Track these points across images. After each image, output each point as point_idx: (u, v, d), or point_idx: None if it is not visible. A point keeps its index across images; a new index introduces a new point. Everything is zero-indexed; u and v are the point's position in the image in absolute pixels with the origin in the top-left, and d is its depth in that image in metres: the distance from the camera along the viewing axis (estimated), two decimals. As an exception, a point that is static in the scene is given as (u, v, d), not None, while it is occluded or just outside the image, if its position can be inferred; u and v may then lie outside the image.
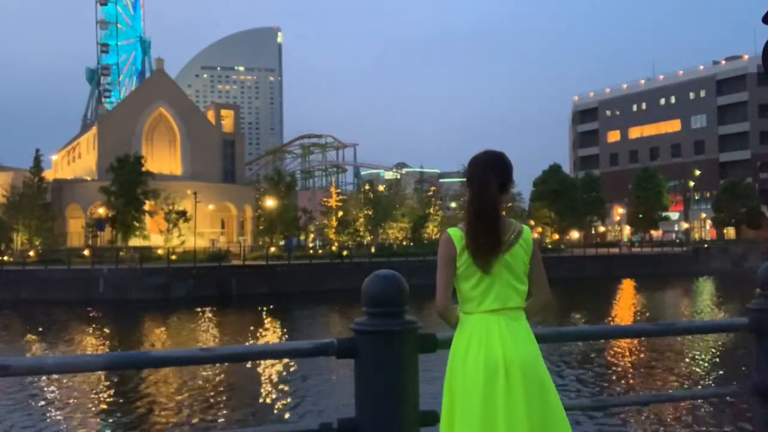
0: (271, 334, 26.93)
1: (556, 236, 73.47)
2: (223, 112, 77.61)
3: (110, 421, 13.38)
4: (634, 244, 75.30)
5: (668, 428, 11.81)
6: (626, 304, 37.61)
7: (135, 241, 50.49)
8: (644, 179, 76.40)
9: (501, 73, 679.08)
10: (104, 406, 14.49)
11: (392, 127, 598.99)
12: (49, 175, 63.98)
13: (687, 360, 18.58)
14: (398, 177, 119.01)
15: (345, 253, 52.65)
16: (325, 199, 72.14)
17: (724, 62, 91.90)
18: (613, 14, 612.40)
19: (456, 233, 2.65)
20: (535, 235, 2.81)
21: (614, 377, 16.76)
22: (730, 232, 79.08)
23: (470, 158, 2.77)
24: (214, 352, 2.61)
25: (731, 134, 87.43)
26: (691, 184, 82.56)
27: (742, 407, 11.80)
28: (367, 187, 71.11)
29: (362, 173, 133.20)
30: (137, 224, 51.04)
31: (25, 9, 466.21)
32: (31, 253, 49.77)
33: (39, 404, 14.61)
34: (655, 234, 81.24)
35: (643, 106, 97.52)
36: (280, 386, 16.13)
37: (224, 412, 13.93)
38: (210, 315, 32.98)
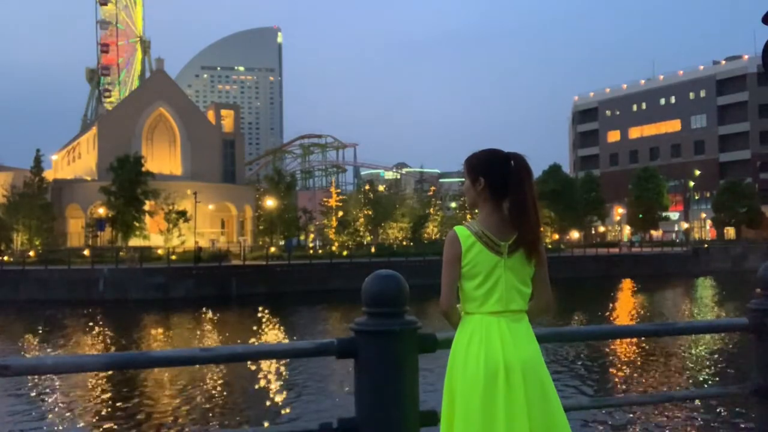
0: (271, 334, 26.93)
1: (556, 236, 73.41)
2: (223, 112, 77.60)
3: (110, 421, 13.37)
4: (634, 244, 75.24)
5: (668, 428, 11.81)
6: (626, 304, 37.60)
7: (135, 241, 50.48)
8: (644, 179, 76.36)
9: (501, 73, 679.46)
10: (104, 407, 14.48)
11: (392, 127, 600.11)
12: (49, 175, 63.96)
13: (687, 360, 18.58)
14: (398, 177, 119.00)
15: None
16: (325, 199, 72.10)
17: (724, 62, 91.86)
18: (614, 14, 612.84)
19: (463, 232, 2.62)
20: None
21: (614, 377, 16.76)
22: (730, 232, 79.04)
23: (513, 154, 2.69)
24: (214, 352, 2.61)
25: (731, 134, 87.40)
26: (691, 184, 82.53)
27: (742, 407, 11.80)
28: (367, 187, 70.98)
29: (362, 173, 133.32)
30: (137, 224, 51.03)
31: (25, 9, 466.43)
32: (31, 253, 49.76)
33: (38, 404, 14.60)
34: (655, 234, 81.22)
35: (643, 106, 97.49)
36: (280, 386, 16.13)
37: (224, 412, 13.93)
38: (210, 315, 32.97)
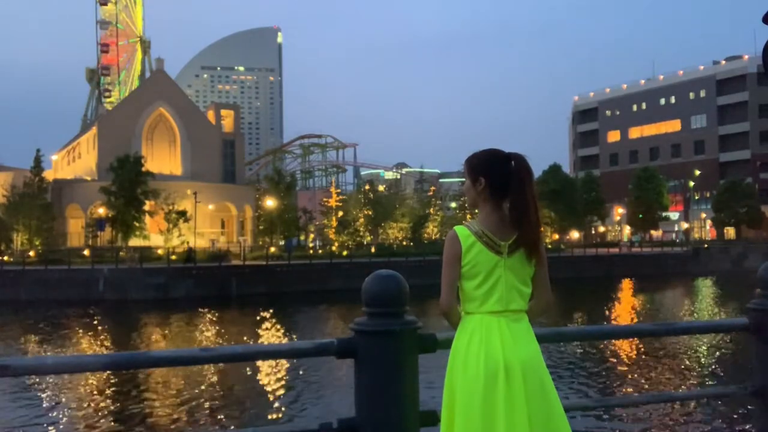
0: (271, 334, 26.93)
1: (556, 236, 73.42)
2: (223, 112, 77.57)
3: (110, 421, 13.37)
4: (634, 244, 75.29)
5: (668, 428, 11.81)
6: (626, 304, 37.60)
7: (135, 241, 50.48)
8: (644, 179, 76.38)
9: (501, 73, 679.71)
10: (104, 407, 14.48)
11: (392, 127, 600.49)
12: (49, 175, 63.95)
13: (687, 360, 18.57)
14: (398, 177, 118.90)
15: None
16: (325, 199, 72.09)
17: (724, 62, 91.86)
18: (614, 14, 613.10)
19: (463, 231, 2.62)
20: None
21: (614, 377, 16.76)
22: (730, 232, 79.06)
23: (515, 154, 2.69)
24: (214, 352, 2.61)
25: (731, 134, 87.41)
26: (691, 184, 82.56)
27: (742, 407, 11.80)
28: (367, 187, 70.96)
29: (362, 173, 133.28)
30: (137, 224, 51.02)
31: (25, 9, 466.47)
32: (31, 253, 49.75)
33: (38, 404, 14.60)
34: (655, 234, 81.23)
35: (643, 106, 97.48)
36: (280, 386, 16.13)
37: (224, 412, 13.93)
38: (210, 315, 32.97)
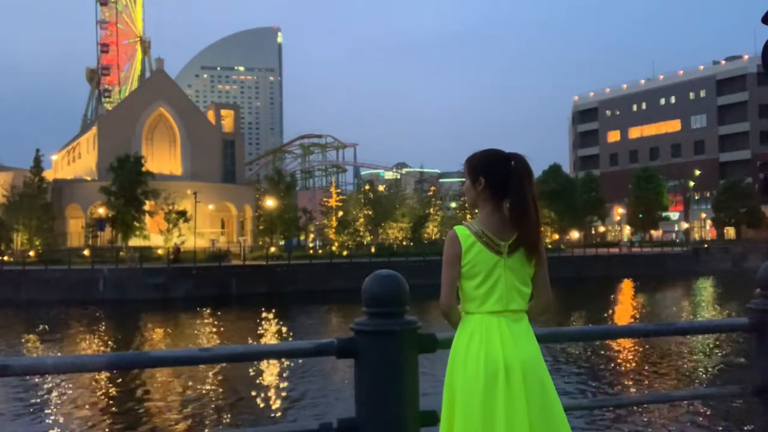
0: (271, 334, 26.93)
1: (556, 236, 73.42)
2: (223, 112, 77.56)
3: (110, 421, 13.37)
4: (634, 244, 75.28)
5: (668, 428, 11.81)
6: (626, 304, 37.60)
7: (135, 241, 50.48)
8: (644, 179, 76.39)
9: (501, 73, 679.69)
10: (104, 407, 14.49)
11: (392, 127, 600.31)
12: (49, 175, 63.94)
13: (687, 360, 18.58)
14: (398, 177, 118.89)
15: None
16: (325, 199, 72.08)
17: (724, 62, 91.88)
18: (614, 14, 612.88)
19: (463, 231, 2.62)
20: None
21: (614, 377, 16.76)
22: (730, 232, 79.07)
23: (514, 154, 2.69)
24: (214, 352, 2.61)
25: (731, 134, 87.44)
26: (691, 184, 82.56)
27: (742, 407, 11.80)
28: (367, 187, 70.98)
29: (362, 173, 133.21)
30: (137, 224, 51.03)
31: (25, 9, 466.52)
32: (31, 253, 49.77)
33: (39, 404, 14.59)
34: (655, 234, 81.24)
35: (643, 106, 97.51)
36: (280, 386, 16.14)
37: (225, 412, 13.93)
38: (210, 315, 32.97)
